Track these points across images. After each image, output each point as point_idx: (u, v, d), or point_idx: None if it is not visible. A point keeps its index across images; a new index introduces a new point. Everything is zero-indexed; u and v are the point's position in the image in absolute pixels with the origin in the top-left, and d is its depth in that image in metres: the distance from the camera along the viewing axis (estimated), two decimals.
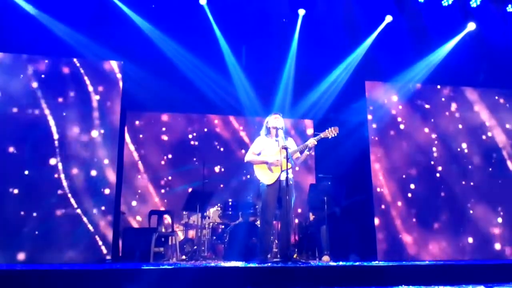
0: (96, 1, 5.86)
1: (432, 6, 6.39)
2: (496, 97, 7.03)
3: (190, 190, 6.75)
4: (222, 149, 7.94)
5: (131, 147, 7.58)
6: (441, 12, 6.46)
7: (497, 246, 6.50)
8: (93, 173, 5.77)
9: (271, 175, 4.76)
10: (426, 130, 6.72)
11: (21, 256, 5.39)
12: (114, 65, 6.10)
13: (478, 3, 6.39)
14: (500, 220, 6.56)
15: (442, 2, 6.35)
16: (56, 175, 5.66)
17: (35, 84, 5.80)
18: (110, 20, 6.03)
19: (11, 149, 5.60)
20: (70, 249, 5.54)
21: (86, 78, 5.98)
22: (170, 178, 7.66)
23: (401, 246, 6.27)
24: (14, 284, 3.50)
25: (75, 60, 6.00)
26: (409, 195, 6.44)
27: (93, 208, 5.69)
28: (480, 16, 6.55)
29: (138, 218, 7.35)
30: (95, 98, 5.95)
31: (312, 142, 4.69)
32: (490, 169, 6.71)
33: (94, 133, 5.87)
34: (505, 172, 6.76)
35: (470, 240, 6.46)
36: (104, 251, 5.64)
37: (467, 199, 6.58)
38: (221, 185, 7.61)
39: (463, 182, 6.61)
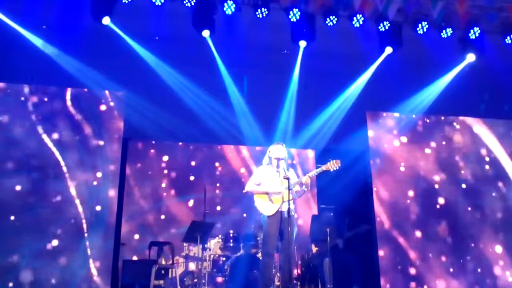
0: (100, 32, 5.99)
1: (431, 38, 6.49)
2: (497, 127, 7.06)
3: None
4: (223, 179, 7.89)
5: (132, 177, 7.55)
6: (440, 43, 6.56)
7: (500, 281, 6.36)
8: (94, 203, 5.74)
9: (271, 206, 4.71)
10: (428, 159, 6.70)
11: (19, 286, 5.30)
12: (116, 95, 6.18)
13: (477, 35, 6.48)
14: (504, 255, 6.45)
15: (441, 33, 6.45)
16: (56, 204, 5.63)
17: (35, 114, 5.86)
18: (113, 51, 6.15)
19: (15, 180, 5.61)
20: (70, 282, 5.44)
21: (88, 107, 6.05)
22: (171, 209, 7.59)
23: (405, 279, 6.13)
24: None
25: (77, 89, 6.09)
26: (413, 226, 6.36)
27: (93, 239, 5.63)
28: (479, 47, 6.63)
29: (138, 249, 7.23)
30: (98, 127, 6.00)
31: (306, 179, 4.64)
32: (494, 193, 6.65)
33: (95, 162, 5.88)
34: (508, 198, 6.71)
35: (474, 273, 6.32)
36: (104, 283, 5.53)
37: (472, 228, 6.49)
38: (222, 216, 7.52)
39: (468, 211, 6.54)
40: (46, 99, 5.97)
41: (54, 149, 5.82)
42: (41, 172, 5.70)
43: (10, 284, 5.30)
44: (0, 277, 5.30)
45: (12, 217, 5.52)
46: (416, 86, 7.01)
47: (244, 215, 7.42)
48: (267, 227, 4.71)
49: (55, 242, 5.54)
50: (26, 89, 5.96)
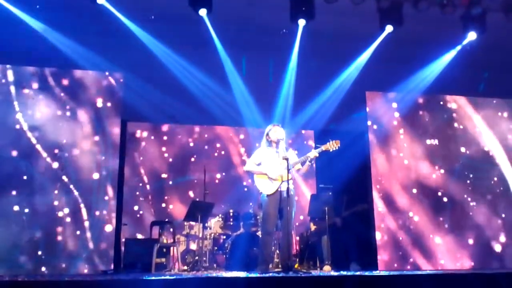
0: (96, 13, 5.92)
1: (432, 16, 6.40)
2: (497, 107, 7.07)
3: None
4: (223, 160, 7.96)
5: (132, 158, 7.60)
6: (441, 21, 6.48)
7: (498, 257, 6.48)
8: (93, 184, 5.80)
9: (271, 185, 4.78)
10: (427, 140, 6.73)
11: (22, 268, 5.40)
12: (114, 76, 6.16)
13: (479, 12, 6.39)
14: (501, 232, 6.56)
15: (443, 11, 6.35)
16: (57, 187, 5.69)
17: (35, 95, 5.85)
18: (110, 31, 6.09)
19: (11, 163, 5.64)
20: (72, 261, 5.55)
21: (86, 89, 6.04)
22: (171, 190, 7.68)
23: (402, 256, 6.25)
24: None
25: (75, 71, 6.07)
26: (410, 204, 6.44)
27: (94, 219, 5.72)
28: (481, 26, 6.55)
29: (140, 228, 7.35)
30: (96, 109, 6.01)
31: (313, 154, 4.72)
32: (494, 180, 6.71)
33: (94, 144, 5.91)
34: (505, 181, 6.77)
35: (471, 251, 6.44)
36: (106, 262, 5.65)
37: (469, 208, 6.58)
38: (222, 196, 7.62)
39: (465, 192, 6.62)
40: (42, 81, 5.94)
41: (50, 128, 5.82)
42: (38, 151, 5.74)
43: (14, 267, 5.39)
44: (7, 254, 5.41)
45: (16, 205, 5.57)
46: (417, 65, 6.97)
47: (244, 194, 7.52)
48: (266, 206, 4.79)
49: (55, 224, 5.61)
50: (22, 69, 5.92)
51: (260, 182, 4.86)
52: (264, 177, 4.83)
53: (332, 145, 4.73)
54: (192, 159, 7.86)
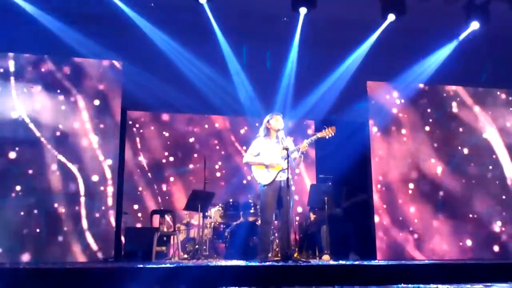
0: (96, 0, 5.87)
1: (435, 5, 6.34)
2: (498, 97, 7.04)
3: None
4: (222, 149, 7.96)
5: (131, 147, 7.60)
6: (444, 11, 6.42)
7: (496, 247, 6.51)
8: (94, 173, 5.81)
9: (268, 175, 4.79)
10: (428, 129, 6.72)
11: (24, 256, 5.45)
12: (114, 65, 6.13)
13: (482, 2, 6.33)
14: (499, 222, 6.58)
15: (446, 1, 6.29)
16: (57, 175, 5.70)
17: (35, 84, 5.83)
18: (109, 19, 6.04)
19: (12, 150, 5.65)
20: (73, 249, 5.59)
21: (86, 78, 6.01)
22: (171, 179, 7.69)
23: (400, 246, 6.29)
24: (18, 283, 3.54)
25: (75, 59, 6.04)
26: (409, 195, 6.46)
27: (95, 208, 5.74)
28: (484, 15, 6.49)
29: (140, 217, 7.39)
30: (96, 97, 6.00)
31: (304, 145, 4.70)
32: (494, 170, 6.72)
33: (95, 133, 5.91)
34: (503, 171, 6.77)
35: (469, 241, 6.47)
36: (107, 250, 5.68)
37: (467, 199, 6.59)
38: (222, 185, 7.64)
39: (463, 182, 6.63)
40: (41, 69, 5.92)
41: (50, 116, 5.81)
42: (38, 139, 5.74)
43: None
44: (7, 242, 5.44)
45: (18, 189, 5.58)
46: (419, 54, 6.92)
47: (244, 184, 7.53)
48: (264, 195, 4.81)
49: (55, 212, 5.63)
50: (22, 57, 5.89)
51: (257, 172, 4.87)
52: (261, 167, 4.84)
53: (328, 132, 4.70)
54: (192, 148, 7.86)
